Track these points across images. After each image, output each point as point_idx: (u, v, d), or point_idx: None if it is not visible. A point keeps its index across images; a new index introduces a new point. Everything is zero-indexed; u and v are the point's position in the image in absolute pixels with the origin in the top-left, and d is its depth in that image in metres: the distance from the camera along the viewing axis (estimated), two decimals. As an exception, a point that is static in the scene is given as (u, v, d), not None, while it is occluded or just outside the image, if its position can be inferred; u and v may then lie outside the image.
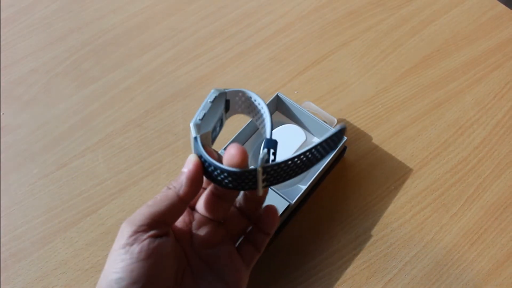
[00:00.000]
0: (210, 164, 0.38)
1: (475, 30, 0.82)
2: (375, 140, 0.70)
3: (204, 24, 0.82)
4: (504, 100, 0.74)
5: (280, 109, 0.69)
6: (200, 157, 0.39)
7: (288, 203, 0.59)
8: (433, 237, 0.63)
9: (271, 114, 0.69)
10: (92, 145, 0.70)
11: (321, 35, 0.81)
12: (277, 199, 0.59)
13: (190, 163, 0.39)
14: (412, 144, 0.70)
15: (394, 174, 0.68)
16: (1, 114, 0.72)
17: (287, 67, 0.77)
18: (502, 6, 0.85)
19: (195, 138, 0.39)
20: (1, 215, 0.64)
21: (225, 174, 0.37)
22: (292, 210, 0.63)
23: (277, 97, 0.67)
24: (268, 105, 0.66)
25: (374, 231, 0.63)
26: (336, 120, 0.67)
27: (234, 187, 0.38)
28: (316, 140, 0.68)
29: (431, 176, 0.67)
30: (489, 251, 0.62)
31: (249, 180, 0.37)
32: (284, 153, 0.61)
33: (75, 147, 0.70)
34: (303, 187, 0.61)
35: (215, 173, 0.38)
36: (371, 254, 0.62)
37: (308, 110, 0.65)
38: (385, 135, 0.71)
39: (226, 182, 0.38)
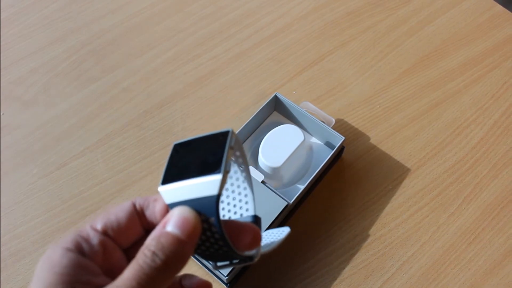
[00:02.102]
0: (217, 239, 0.30)
1: (473, 30, 0.82)
2: (373, 140, 0.70)
3: (203, 25, 0.82)
4: (501, 100, 0.74)
5: (278, 109, 0.69)
6: (205, 222, 0.29)
7: (286, 203, 0.59)
8: (431, 237, 0.63)
9: (269, 114, 0.69)
10: (92, 145, 0.70)
11: (320, 35, 0.81)
12: (275, 198, 0.59)
13: (188, 224, 0.29)
14: (409, 144, 0.70)
15: (392, 174, 0.68)
16: (1, 114, 0.72)
17: (285, 67, 0.77)
18: (500, 7, 0.85)
19: (218, 196, 0.29)
20: (1, 214, 0.64)
21: (224, 251, 0.31)
22: (290, 210, 0.63)
23: (276, 97, 0.67)
24: (266, 106, 0.66)
25: (371, 231, 0.63)
26: (334, 120, 0.67)
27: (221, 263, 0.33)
28: (314, 140, 0.68)
29: (429, 176, 0.67)
30: (486, 251, 0.62)
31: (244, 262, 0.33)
32: (282, 154, 0.61)
33: (74, 147, 0.70)
34: (302, 187, 0.61)
35: (207, 244, 0.31)
36: (368, 254, 0.62)
37: (306, 110, 0.65)
38: (383, 135, 0.71)
39: (214, 257, 0.32)
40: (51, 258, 0.28)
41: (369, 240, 0.63)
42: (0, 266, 0.60)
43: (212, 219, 0.29)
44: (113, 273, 0.29)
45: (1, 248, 0.62)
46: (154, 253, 0.28)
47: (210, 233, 0.30)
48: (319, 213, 0.65)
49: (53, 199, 0.65)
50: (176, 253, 0.28)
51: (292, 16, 0.83)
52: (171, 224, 0.29)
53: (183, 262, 0.29)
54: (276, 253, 0.61)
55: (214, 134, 0.32)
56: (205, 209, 0.29)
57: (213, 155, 0.30)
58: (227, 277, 0.55)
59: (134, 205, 0.32)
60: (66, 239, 0.29)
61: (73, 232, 0.30)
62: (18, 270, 0.60)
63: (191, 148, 0.32)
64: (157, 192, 0.31)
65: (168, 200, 0.30)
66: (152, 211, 0.32)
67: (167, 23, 0.82)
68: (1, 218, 0.64)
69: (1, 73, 0.76)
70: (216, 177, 0.29)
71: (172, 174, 0.31)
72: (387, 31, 0.82)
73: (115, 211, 0.32)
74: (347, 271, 0.61)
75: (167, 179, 0.31)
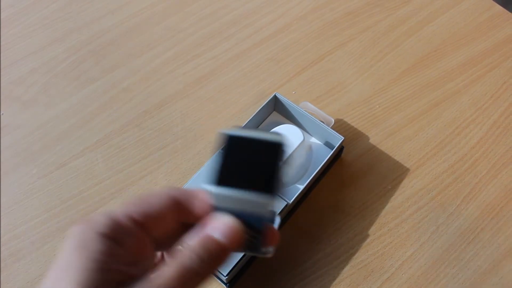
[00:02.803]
0: (254, 243, 0.33)
1: (472, 30, 0.82)
2: (372, 140, 0.70)
3: (203, 25, 0.82)
4: (500, 100, 0.74)
5: (278, 109, 0.69)
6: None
7: (286, 203, 0.59)
8: (430, 237, 0.63)
9: (269, 114, 0.69)
10: (91, 145, 0.70)
11: (319, 35, 0.81)
12: (275, 198, 0.59)
13: (236, 236, 0.30)
14: (409, 144, 0.70)
15: (391, 173, 0.67)
16: (1, 114, 0.72)
17: (285, 67, 0.77)
18: (499, 7, 0.85)
19: (267, 215, 0.32)
20: (1, 214, 0.64)
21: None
22: (290, 210, 0.63)
23: (275, 97, 0.67)
24: (266, 106, 0.66)
25: (371, 231, 0.63)
26: (333, 120, 0.67)
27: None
28: (314, 140, 0.68)
29: (428, 175, 0.67)
30: (485, 251, 0.62)
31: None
32: None
33: (74, 147, 0.69)
34: (301, 187, 0.61)
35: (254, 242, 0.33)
36: (368, 254, 0.62)
37: (305, 110, 0.65)
38: (382, 135, 0.71)
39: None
40: (85, 242, 0.27)
41: (368, 240, 0.62)
42: (0, 266, 0.60)
43: (256, 230, 0.32)
44: (141, 263, 0.30)
45: (1, 248, 0.62)
46: (201, 258, 0.28)
47: (249, 236, 0.32)
48: (319, 213, 0.64)
49: (52, 199, 0.65)
50: (221, 261, 0.29)
51: (291, 16, 0.83)
52: (221, 233, 0.30)
53: (221, 266, 0.30)
54: (276, 253, 0.61)
55: (268, 140, 0.32)
56: (252, 223, 0.31)
57: (266, 169, 0.31)
58: (226, 277, 0.55)
59: (172, 198, 0.32)
60: (99, 223, 0.29)
61: (106, 216, 0.29)
62: (18, 270, 0.60)
63: (245, 148, 0.32)
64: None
65: (218, 203, 0.31)
66: (193, 208, 0.32)
67: (166, 23, 0.82)
68: (1, 218, 0.64)
69: (1, 73, 0.76)
70: (269, 201, 0.30)
71: (225, 176, 0.31)
72: (387, 31, 0.81)
73: (152, 202, 0.31)
74: (347, 271, 0.60)
75: (220, 181, 0.31)
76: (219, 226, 0.30)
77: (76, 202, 0.65)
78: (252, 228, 0.31)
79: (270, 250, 0.35)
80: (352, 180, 0.67)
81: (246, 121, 0.64)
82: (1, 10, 0.83)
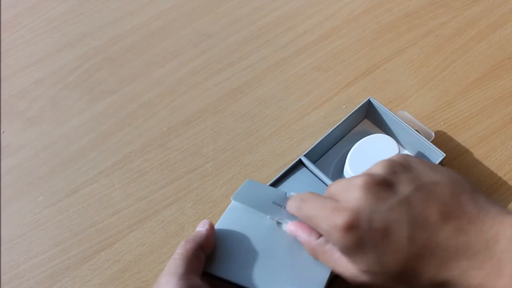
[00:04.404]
0: None
1: (555, 34, 0.81)
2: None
3: (237, 28, 0.83)
4: None
5: (370, 117, 0.71)
6: None
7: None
8: None
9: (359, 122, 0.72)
10: (107, 169, 0.70)
11: (373, 40, 0.81)
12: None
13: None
14: (479, 167, 0.69)
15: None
16: (1, 132, 0.73)
17: (334, 78, 0.77)
18: None
19: None
20: (1, 250, 0.64)
21: None
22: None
23: (369, 102, 0.68)
24: (357, 112, 0.66)
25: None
26: (433, 134, 0.67)
27: None
28: (407, 153, 0.68)
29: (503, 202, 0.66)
30: None
31: None
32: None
33: (87, 170, 0.70)
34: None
35: None
36: None
37: (403, 121, 0.66)
38: (449, 155, 0.70)
39: None
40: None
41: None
42: (0, 310, 0.61)
43: None
44: None
45: (2, 290, 0.62)
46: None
47: None
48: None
49: (62, 232, 0.65)
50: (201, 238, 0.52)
51: (340, 18, 0.84)
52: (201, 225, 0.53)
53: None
54: None
55: None
56: None
57: None
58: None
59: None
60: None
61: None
62: (23, 316, 0.60)
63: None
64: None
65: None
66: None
67: (194, 27, 0.83)
68: (1, 254, 0.64)
69: (1, 85, 0.77)
70: None
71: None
72: (452, 36, 0.81)
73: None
74: None
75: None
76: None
77: (90, 235, 0.65)
78: None
79: None
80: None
81: (332, 129, 0.63)
82: (1, 12, 0.84)
